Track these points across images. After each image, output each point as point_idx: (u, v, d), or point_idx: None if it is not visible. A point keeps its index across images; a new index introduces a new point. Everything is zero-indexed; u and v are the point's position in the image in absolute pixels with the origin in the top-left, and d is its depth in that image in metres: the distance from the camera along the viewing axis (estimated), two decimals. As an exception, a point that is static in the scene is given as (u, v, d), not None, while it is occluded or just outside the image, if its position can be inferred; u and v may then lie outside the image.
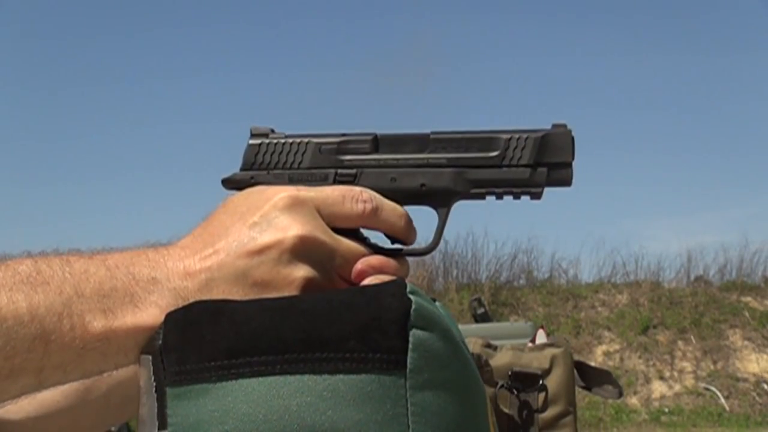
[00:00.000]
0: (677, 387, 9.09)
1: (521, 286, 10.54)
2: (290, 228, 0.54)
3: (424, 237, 0.63)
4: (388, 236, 0.60)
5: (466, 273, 10.60)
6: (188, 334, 0.47)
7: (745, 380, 9.06)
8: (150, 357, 0.49)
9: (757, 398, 8.89)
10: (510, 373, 0.86)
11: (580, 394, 0.93)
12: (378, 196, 0.59)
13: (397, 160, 0.63)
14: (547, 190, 0.63)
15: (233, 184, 0.64)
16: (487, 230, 13.07)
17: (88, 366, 0.51)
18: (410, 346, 0.45)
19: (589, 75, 15.68)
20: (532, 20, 15.97)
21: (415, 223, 0.61)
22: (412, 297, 0.46)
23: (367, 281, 0.55)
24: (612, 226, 16.50)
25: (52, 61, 15.76)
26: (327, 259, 0.55)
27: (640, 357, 9.37)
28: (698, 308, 9.77)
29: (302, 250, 0.53)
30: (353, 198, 0.57)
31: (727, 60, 14.93)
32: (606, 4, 15.97)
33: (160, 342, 0.48)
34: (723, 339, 9.47)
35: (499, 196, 0.63)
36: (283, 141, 0.64)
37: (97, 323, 0.50)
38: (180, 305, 0.50)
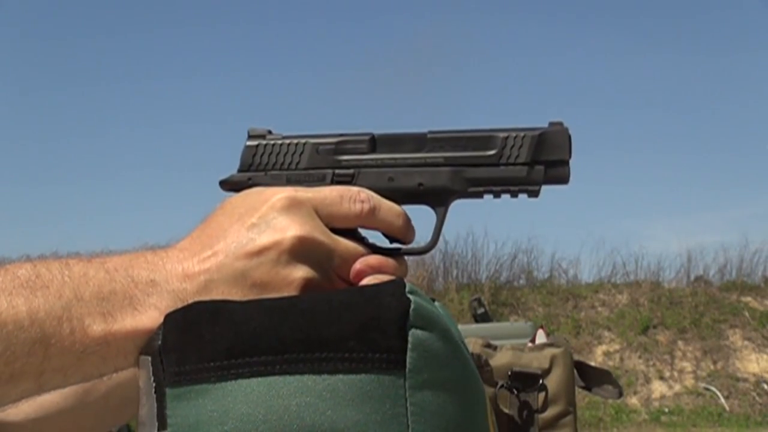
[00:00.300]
0: (677, 387, 9.09)
1: (521, 286, 10.55)
2: (288, 229, 0.54)
3: (422, 236, 0.63)
4: (386, 236, 0.60)
5: (466, 273, 10.60)
6: (188, 335, 0.47)
7: (745, 380, 9.06)
8: (149, 358, 0.49)
9: (757, 398, 8.89)
10: (510, 373, 0.86)
11: (580, 394, 0.92)
12: (376, 195, 0.59)
13: (395, 159, 0.63)
14: (545, 188, 0.63)
15: (231, 185, 0.64)
16: (487, 230, 13.11)
17: (88, 369, 0.51)
18: (409, 345, 0.45)
19: (589, 75, 15.70)
20: (532, 20, 15.98)
21: (413, 223, 0.61)
22: (411, 297, 0.46)
23: (365, 281, 0.55)
24: (612, 226, 16.52)
25: (52, 61, 15.78)
26: (325, 259, 0.55)
27: (640, 357, 9.37)
28: (698, 308, 9.77)
29: (301, 250, 0.53)
30: (351, 198, 0.57)
31: (727, 60, 14.95)
32: (606, 4, 15.98)
33: (160, 342, 0.48)
34: (723, 339, 9.47)
35: (497, 195, 0.63)
36: (280, 142, 0.64)
37: (97, 327, 0.50)
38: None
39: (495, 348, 0.91)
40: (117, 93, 15.71)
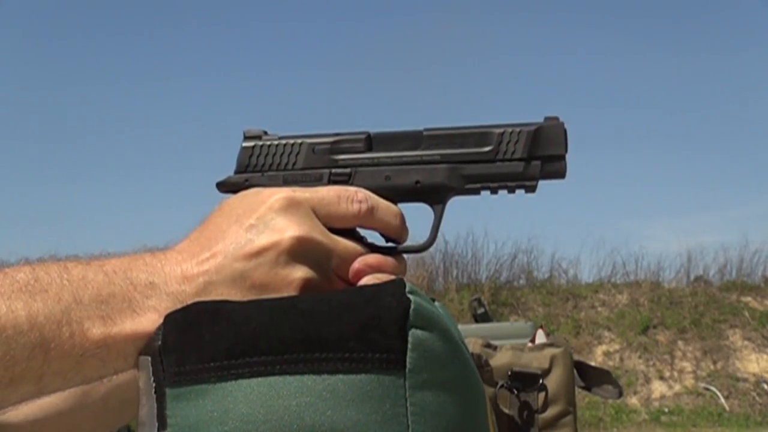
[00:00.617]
0: (677, 387, 9.09)
1: (521, 286, 10.55)
2: (287, 229, 0.53)
3: (420, 234, 0.63)
4: (382, 235, 0.60)
5: (466, 273, 10.60)
6: (187, 335, 0.47)
7: (745, 380, 9.06)
8: (149, 358, 0.49)
9: (757, 398, 8.89)
10: (510, 373, 0.86)
11: (580, 394, 0.92)
12: (373, 195, 0.59)
13: (391, 158, 0.63)
14: (545, 185, 0.63)
15: (228, 187, 0.64)
16: (487, 230, 13.14)
17: (88, 372, 0.51)
18: (409, 345, 0.45)
19: (589, 74, 15.71)
20: (532, 20, 15.99)
21: (410, 221, 0.61)
22: (411, 297, 0.46)
23: (365, 280, 0.55)
24: (612, 226, 16.52)
25: (52, 61, 15.78)
26: (324, 259, 0.55)
27: (640, 357, 9.37)
28: (698, 308, 9.77)
29: (299, 251, 0.53)
30: (348, 198, 0.57)
31: (727, 60, 14.96)
32: (606, 4, 15.99)
33: (160, 343, 0.48)
34: (723, 339, 9.48)
35: (494, 191, 0.63)
36: (276, 143, 0.64)
37: (96, 330, 0.50)
38: None
39: (495, 348, 0.90)
40: (116, 93, 15.73)
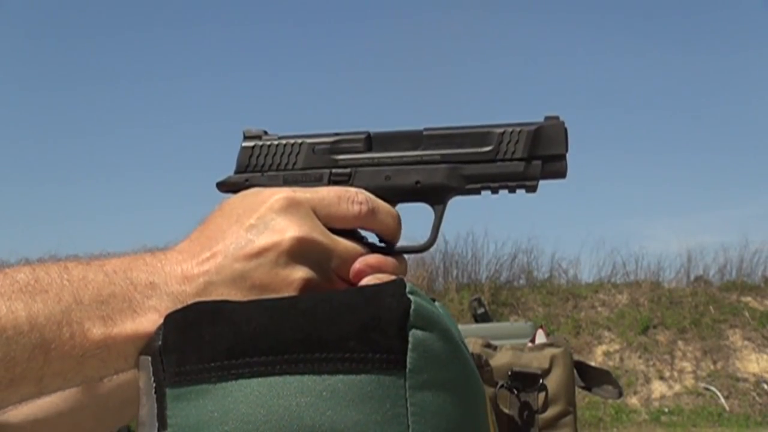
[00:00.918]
0: (677, 387, 9.09)
1: (521, 286, 10.55)
2: (287, 230, 0.53)
3: (420, 234, 0.63)
4: (378, 237, 0.60)
5: (466, 273, 10.60)
6: (188, 335, 0.47)
7: (745, 380, 9.06)
8: (149, 358, 0.49)
9: (757, 398, 8.89)
10: (510, 373, 0.86)
11: (580, 394, 0.92)
12: (374, 197, 0.59)
13: (391, 158, 0.63)
14: (545, 185, 0.63)
15: (228, 187, 0.64)
16: (487, 230, 13.12)
17: (88, 372, 0.51)
18: (410, 346, 0.45)
19: (589, 74, 15.71)
20: (532, 20, 15.98)
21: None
22: (411, 297, 0.46)
23: (365, 280, 0.55)
24: (612, 226, 16.53)
25: (52, 61, 15.78)
26: (325, 259, 0.55)
27: (640, 357, 9.37)
28: (698, 308, 9.77)
29: (300, 251, 0.53)
30: (349, 199, 0.57)
31: (727, 60, 14.96)
32: (606, 4, 15.99)
33: (160, 343, 0.48)
34: (723, 339, 9.48)
35: (495, 191, 0.63)
36: (276, 142, 0.64)
37: (97, 330, 0.50)
38: None
39: (495, 348, 0.90)
40: (116, 93, 15.73)
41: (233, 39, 16.34)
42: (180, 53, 15.98)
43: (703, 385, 9.05)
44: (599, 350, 9.50)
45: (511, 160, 0.62)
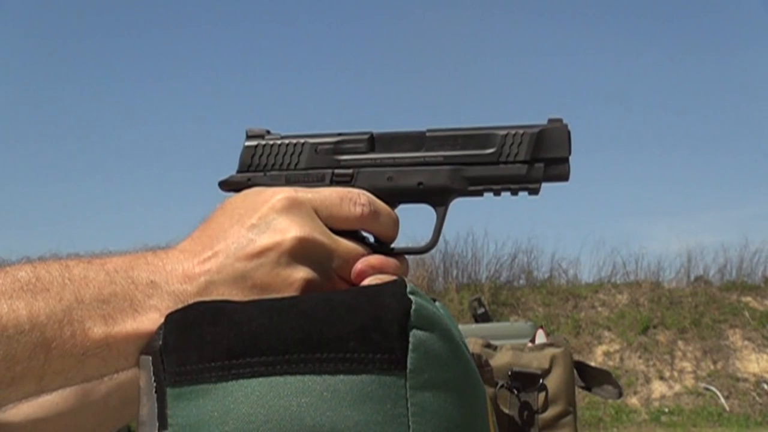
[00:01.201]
0: (677, 387, 9.09)
1: (521, 286, 10.55)
2: (289, 230, 0.53)
3: (422, 235, 0.63)
4: (375, 239, 0.60)
5: (466, 273, 10.60)
6: (188, 335, 0.47)
7: (745, 380, 9.06)
8: (150, 358, 0.49)
9: (757, 398, 8.88)
10: (510, 373, 0.86)
11: (580, 394, 0.92)
12: (375, 200, 0.59)
13: (394, 159, 0.63)
14: (546, 185, 0.63)
15: (230, 186, 0.64)
16: (487, 230, 13.14)
17: (89, 371, 0.51)
18: (410, 346, 0.45)
19: (589, 74, 15.70)
20: (532, 20, 15.98)
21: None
22: (412, 297, 0.46)
23: (367, 281, 0.55)
24: (612, 226, 16.52)
25: (52, 60, 15.78)
26: (326, 259, 0.55)
27: (640, 357, 9.37)
28: (698, 308, 9.77)
29: (301, 251, 0.53)
30: (351, 200, 0.57)
31: (727, 60, 14.96)
32: (606, 4, 15.98)
33: (160, 343, 0.48)
34: (723, 339, 9.47)
35: (497, 193, 0.63)
36: (279, 142, 0.64)
37: (98, 329, 0.50)
38: None
39: (495, 348, 0.91)
40: (117, 93, 15.73)
41: (236, 37, 16.35)
42: (182, 52, 15.99)
43: (703, 385, 9.04)
44: (599, 350, 9.50)
45: (513, 162, 0.62)
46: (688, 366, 9.28)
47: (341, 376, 0.44)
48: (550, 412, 0.86)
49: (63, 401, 0.70)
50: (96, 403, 0.71)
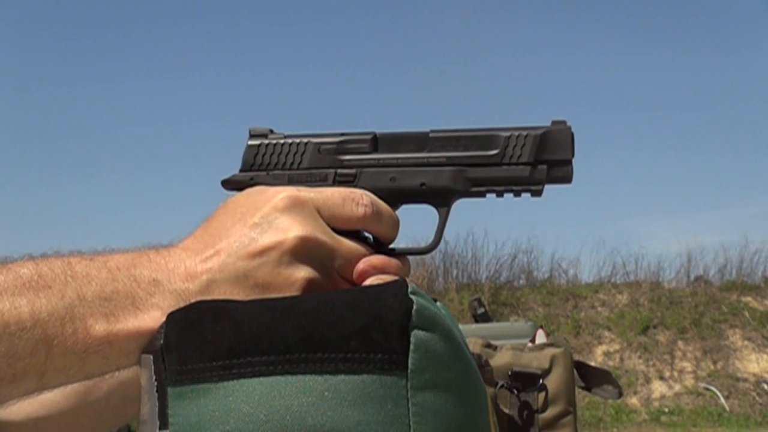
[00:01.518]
0: (677, 387, 9.09)
1: (521, 286, 10.55)
2: (291, 229, 0.53)
3: (424, 236, 0.63)
4: (375, 239, 0.60)
5: (466, 273, 10.60)
6: (190, 334, 0.47)
7: (745, 380, 9.06)
8: (151, 356, 0.49)
9: (757, 398, 8.88)
10: (510, 373, 0.86)
11: (580, 394, 0.93)
12: (378, 200, 0.59)
13: (397, 159, 0.63)
14: (548, 187, 0.63)
15: (233, 185, 0.64)
16: (487, 230, 13.15)
17: (90, 369, 0.51)
18: (411, 346, 0.45)
19: (590, 74, 15.69)
20: (532, 20, 15.97)
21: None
22: (413, 297, 0.46)
23: (369, 281, 0.55)
24: (612, 226, 16.54)
25: (52, 60, 15.77)
26: (328, 259, 0.55)
27: (640, 357, 9.37)
28: (698, 308, 9.77)
29: (303, 251, 0.53)
30: (354, 200, 0.57)
31: (727, 60, 14.95)
32: (606, 3, 15.98)
33: (162, 342, 0.48)
34: (723, 339, 9.47)
35: (500, 194, 0.63)
36: (282, 141, 0.64)
37: (99, 327, 0.50)
38: None
39: (495, 348, 0.91)
40: (118, 92, 15.73)
41: (239, 36, 16.35)
42: (184, 51, 15.99)
43: (703, 385, 9.04)
44: (599, 350, 9.50)
45: (517, 164, 0.62)
46: (688, 366, 9.28)
47: (342, 376, 0.44)
48: (550, 412, 0.86)
49: (64, 400, 0.70)
50: (97, 402, 0.71)
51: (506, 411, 0.85)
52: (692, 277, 10.54)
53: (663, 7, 16.04)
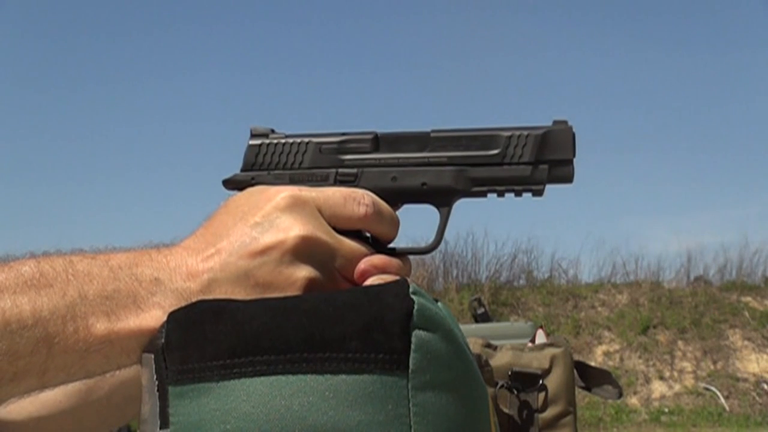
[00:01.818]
0: (677, 387, 9.08)
1: (521, 286, 10.54)
2: (292, 228, 0.53)
3: (424, 236, 0.63)
4: (375, 239, 0.60)
5: (466, 273, 10.60)
6: (191, 333, 0.47)
7: (745, 380, 9.06)
8: (152, 356, 0.49)
9: (757, 398, 8.88)
10: (510, 373, 0.86)
11: (580, 394, 0.93)
12: (379, 201, 0.59)
13: (398, 159, 0.63)
14: (548, 187, 0.63)
15: (234, 185, 0.64)
16: (487, 230, 13.14)
17: (91, 367, 0.51)
18: (412, 346, 0.45)
19: (590, 74, 15.69)
20: (532, 20, 15.96)
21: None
22: (414, 297, 0.46)
23: (370, 281, 0.55)
24: (612, 226, 16.52)
25: (52, 60, 15.77)
26: (329, 259, 0.55)
27: (640, 357, 9.37)
28: (698, 308, 9.77)
29: (304, 250, 0.53)
30: (355, 200, 0.57)
31: (727, 60, 14.94)
32: (606, 3, 15.97)
33: (163, 341, 0.48)
34: (723, 339, 9.47)
35: (501, 194, 0.63)
36: (283, 141, 0.64)
37: (101, 326, 0.50)
38: None
39: (495, 348, 0.91)
40: (119, 92, 15.73)
41: (241, 36, 16.35)
42: (185, 50, 15.99)
43: (703, 385, 9.04)
44: (599, 350, 9.50)
45: (518, 163, 0.62)
46: (688, 366, 9.28)
47: (343, 376, 0.44)
48: (550, 411, 0.86)
49: (66, 399, 0.70)
50: (98, 401, 0.71)
51: (506, 411, 0.85)
52: (692, 277, 10.55)
53: (663, 8, 16.04)
